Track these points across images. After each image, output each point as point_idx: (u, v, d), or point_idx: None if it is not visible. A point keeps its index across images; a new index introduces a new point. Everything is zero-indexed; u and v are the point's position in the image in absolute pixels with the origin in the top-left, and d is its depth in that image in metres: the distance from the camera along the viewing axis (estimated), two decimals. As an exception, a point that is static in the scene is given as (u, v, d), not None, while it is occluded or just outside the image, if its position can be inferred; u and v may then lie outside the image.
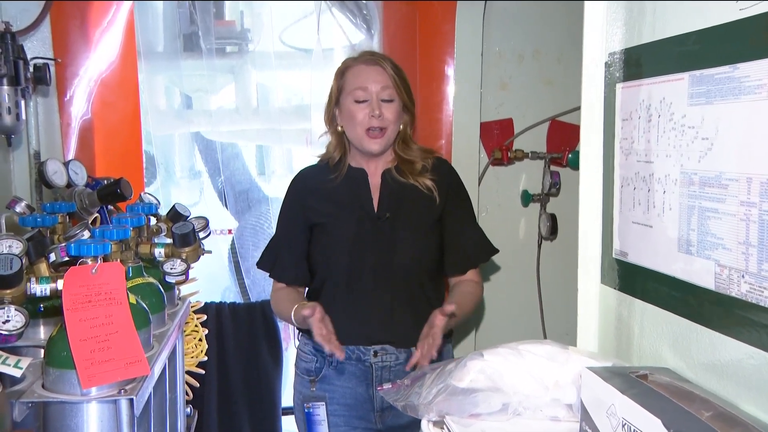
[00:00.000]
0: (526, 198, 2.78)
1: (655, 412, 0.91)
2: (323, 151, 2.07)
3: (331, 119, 2.01)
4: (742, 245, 0.99)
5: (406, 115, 1.98)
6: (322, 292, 1.96)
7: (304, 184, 2.03)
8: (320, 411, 1.92)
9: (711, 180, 1.04)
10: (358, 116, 1.91)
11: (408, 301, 1.91)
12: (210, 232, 1.79)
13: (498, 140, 2.74)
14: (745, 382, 0.99)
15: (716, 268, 1.04)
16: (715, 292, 1.04)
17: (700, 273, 1.08)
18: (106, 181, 1.98)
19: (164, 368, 1.37)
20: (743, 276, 0.99)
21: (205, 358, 1.99)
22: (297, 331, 2.06)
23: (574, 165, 2.65)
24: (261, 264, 2.07)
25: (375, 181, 1.98)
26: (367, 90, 1.91)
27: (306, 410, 1.95)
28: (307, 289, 2.04)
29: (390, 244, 1.92)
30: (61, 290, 1.13)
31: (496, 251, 2.07)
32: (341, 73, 1.97)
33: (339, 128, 1.98)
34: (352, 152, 2.00)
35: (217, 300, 2.65)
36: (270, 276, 2.05)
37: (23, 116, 1.94)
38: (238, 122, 2.78)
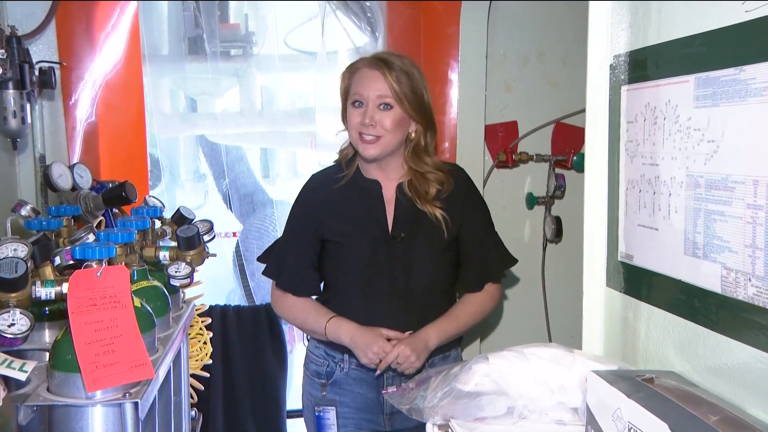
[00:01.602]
0: (531, 200, 2.77)
1: (661, 416, 0.91)
2: (329, 153, 2.06)
3: (344, 116, 1.96)
4: (749, 248, 0.98)
5: (417, 124, 1.90)
6: (334, 309, 1.94)
7: (314, 195, 1.99)
8: (330, 415, 1.92)
9: (717, 182, 1.04)
10: (353, 120, 1.88)
11: (422, 320, 1.90)
12: (215, 235, 1.79)
13: (503, 143, 2.73)
14: (752, 385, 0.99)
15: (723, 271, 1.03)
16: (722, 295, 1.04)
17: (706, 276, 1.07)
18: (111, 184, 1.98)
19: (169, 371, 1.37)
20: (750, 279, 0.98)
21: (210, 361, 1.99)
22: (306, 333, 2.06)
23: (579, 167, 2.64)
24: (266, 271, 2.04)
25: (389, 195, 1.93)
26: (362, 95, 1.86)
27: (316, 413, 1.94)
28: (314, 298, 2.03)
29: (405, 267, 1.89)
30: (66, 293, 1.13)
31: (514, 262, 2.05)
32: (350, 74, 1.92)
33: None
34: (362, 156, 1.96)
35: (222, 303, 2.65)
36: (277, 285, 2.01)
37: (28, 120, 1.95)
38: (243, 125, 2.78)
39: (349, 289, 1.94)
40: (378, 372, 1.85)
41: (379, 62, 1.88)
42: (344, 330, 1.87)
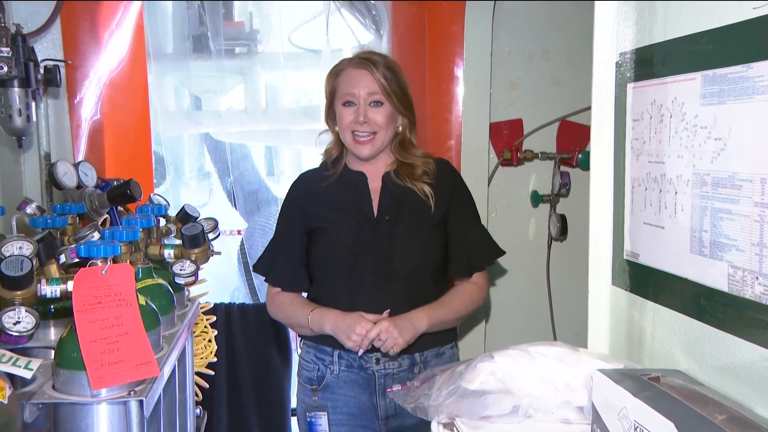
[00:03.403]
0: (536, 198, 2.77)
1: (667, 415, 0.91)
2: (320, 154, 2.08)
3: (328, 117, 2.02)
4: (756, 246, 0.98)
5: (403, 118, 1.97)
6: (321, 298, 1.95)
7: (302, 189, 2.03)
8: (322, 421, 1.90)
9: (724, 181, 1.03)
10: (345, 120, 1.92)
11: (409, 305, 1.89)
12: (219, 233, 1.79)
13: (507, 141, 2.72)
14: (759, 384, 0.98)
15: (729, 269, 1.03)
16: (729, 293, 1.03)
17: (713, 275, 1.07)
18: (115, 182, 1.99)
19: (174, 369, 1.37)
20: (757, 278, 0.98)
21: (215, 359, 1.99)
22: (299, 338, 2.05)
23: (585, 165, 2.63)
24: (256, 268, 2.06)
25: (375, 185, 1.97)
26: (354, 95, 1.91)
27: (308, 420, 1.93)
28: (305, 294, 2.03)
29: (390, 248, 1.90)
30: (71, 291, 1.13)
31: (503, 253, 2.05)
32: (334, 76, 1.98)
33: (336, 127, 1.99)
34: (350, 153, 1.99)
35: (227, 301, 2.66)
36: (265, 280, 2.04)
37: (34, 118, 1.95)
38: (247, 123, 2.78)
39: (335, 274, 1.94)
40: (361, 351, 1.83)
41: (365, 61, 1.94)
42: (326, 318, 1.87)
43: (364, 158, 1.94)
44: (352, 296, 1.90)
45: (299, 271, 1.98)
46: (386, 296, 1.89)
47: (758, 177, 0.96)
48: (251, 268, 2.10)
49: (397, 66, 1.97)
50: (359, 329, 1.80)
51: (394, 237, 1.91)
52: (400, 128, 1.97)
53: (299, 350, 2.05)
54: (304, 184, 2.04)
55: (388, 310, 1.86)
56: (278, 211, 2.73)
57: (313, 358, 1.95)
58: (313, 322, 1.89)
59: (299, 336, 2.03)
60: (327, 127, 2.05)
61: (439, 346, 1.96)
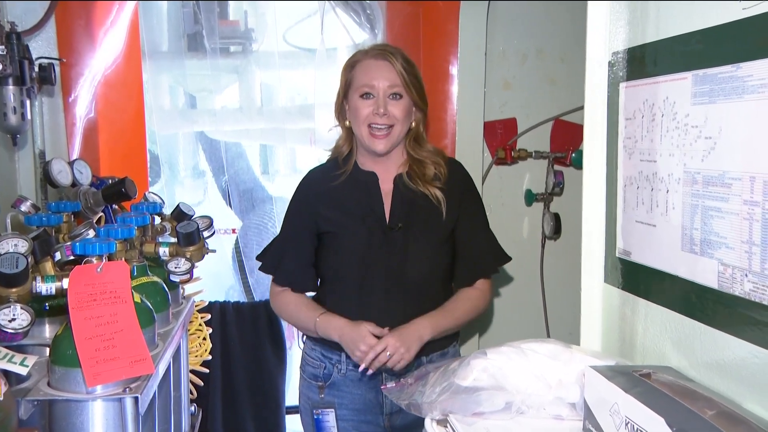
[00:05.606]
0: (530, 197, 2.78)
1: (658, 411, 0.92)
2: (327, 149, 2.05)
3: (339, 112, 1.97)
4: (746, 244, 0.99)
5: (418, 112, 1.93)
6: (331, 302, 1.93)
7: (313, 188, 1.98)
8: (330, 418, 1.90)
9: (714, 179, 1.04)
10: (363, 113, 1.86)
11: (418, 312, 1.87)
12: (214, 231, 1.80)
13: (501, 139, 2.73)
14: (749, 380, 0.99)
15: (719, 267, 1.04)
16: (719, 291, 1.04)
17: (703, 272, 1.08)
18: (110, 181, 1.99)
19: (169, 367, 1.37)
20: (746, 275, 0.99)
21: (209, 357, 1.99)
22: (301, 333, 2.05)
23: (578, 164, 2.65)
24: (264, 267, 2.03)
25: (387, 188, 1.93)
26: (373, 87, 1.86)
27: (315, 417, 1.93)
28: (314, 294, 2.02)
29: (402, 256, 1.88)
30: (66, 289, 1.14)
31: (509, 259, 2.04)
32: (350, 67, 1.92)
33: (347, 123, 1.94)
34: (362, 151, 1.95)
35: (221, 299, 2.66)
36: (274, 281, 2.00)
37: (28, 116, 1.95)
38: (242, 122, 2.78)
39: (345, 280, 1.91)
40: (370, 371, 1.80)
41: (385, 52, 1.89)
42: (333, 326, 1.85)
43: (379, 153, 1.88)
44: (361, 303, 1.88)
45: (308, 271, 1.96)
46: (396, 303, 1.87)
47: (748, 175, 0.97)
48: (259, 266, 2.05)
49: (411, 59, 1.93)
50: (363, 347, 1.78)
51: (406, 246, 1.88)
52: (414, 123, 1.93)
53: (301, 345, 2.04)
54: (313, 183, 1.99)
55: (389, 328, 1.82)
56: (273, 210, 2.77)
57: (319, 355, 1.94)
58: (319, 328, 1.87)
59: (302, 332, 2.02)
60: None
61: (444, 347, 1.96)
